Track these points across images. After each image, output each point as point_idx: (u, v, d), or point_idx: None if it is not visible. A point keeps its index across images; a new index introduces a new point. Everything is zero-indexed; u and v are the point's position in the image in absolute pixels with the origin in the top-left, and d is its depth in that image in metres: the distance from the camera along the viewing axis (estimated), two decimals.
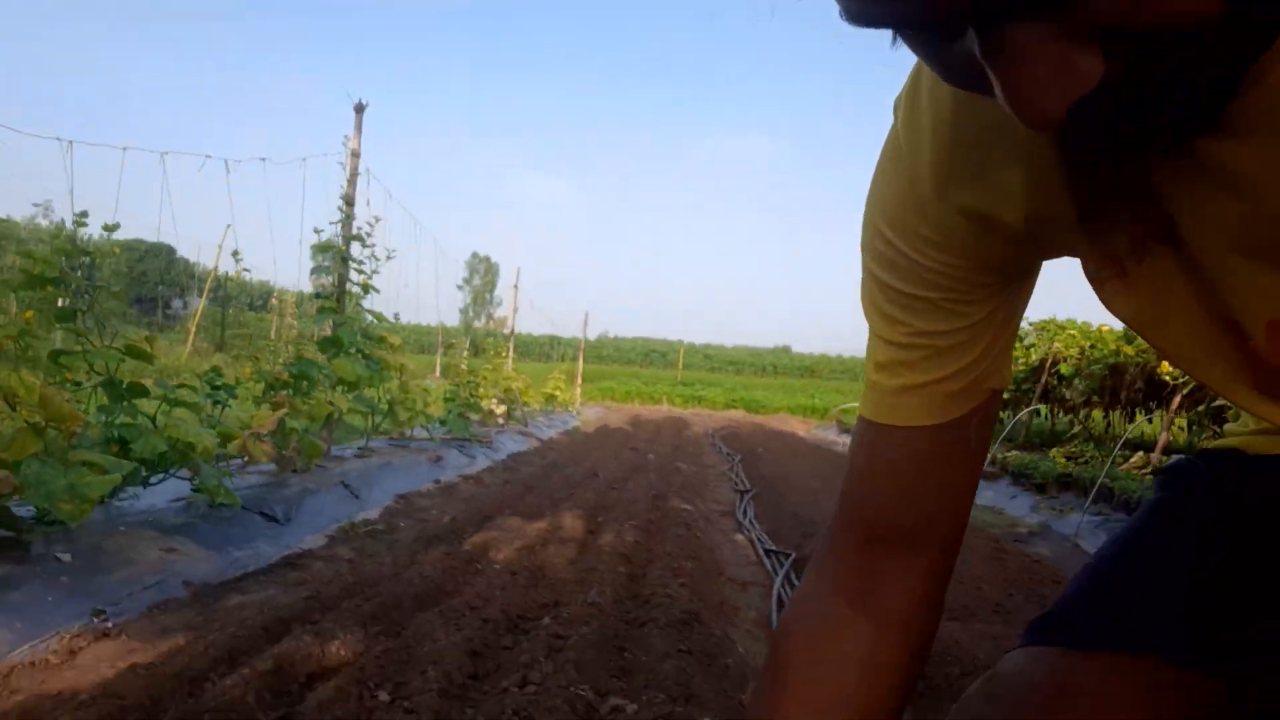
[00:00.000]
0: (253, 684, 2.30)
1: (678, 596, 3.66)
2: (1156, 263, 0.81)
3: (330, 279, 6.88)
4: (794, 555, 5.37)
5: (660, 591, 3.73)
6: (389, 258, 7.03)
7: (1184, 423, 11.34)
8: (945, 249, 0.90)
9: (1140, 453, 10.50)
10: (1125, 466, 9.45)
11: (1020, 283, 0.98)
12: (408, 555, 4.25)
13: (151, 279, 41.80)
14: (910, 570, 1.04)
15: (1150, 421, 11.68)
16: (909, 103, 0.89)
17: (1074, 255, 0.90)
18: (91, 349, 3.96)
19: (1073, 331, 15.50)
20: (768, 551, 5.60)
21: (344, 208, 6.88)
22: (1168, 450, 10.75)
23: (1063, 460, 10.33)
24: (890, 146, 0.94)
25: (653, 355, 59.26)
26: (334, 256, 6.88)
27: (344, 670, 2.53)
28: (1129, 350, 12.13)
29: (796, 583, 4.77)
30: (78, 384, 4.11)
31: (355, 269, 6.89)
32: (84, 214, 4.48)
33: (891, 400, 0.99)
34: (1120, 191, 0.78)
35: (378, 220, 6.96)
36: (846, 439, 17.19)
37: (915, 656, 1.06)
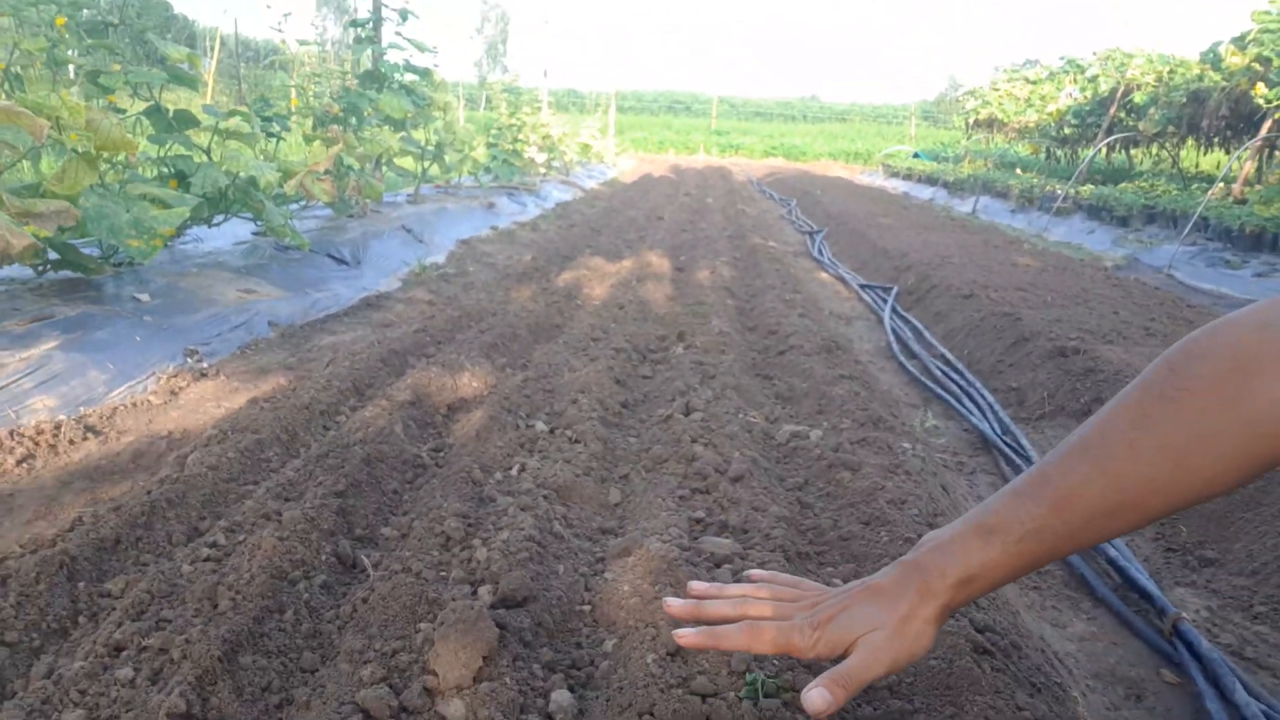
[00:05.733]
0: (396, 415, 2.05)
1: (804, 328, 3.36)
2: None
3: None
4: (895, 289, 5.04)
5: (784, 323, 3.44)
6: None
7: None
8: None
9: (1221, 184, 9.88)
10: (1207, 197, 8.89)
11: None
12: (502, 292, 3.95)
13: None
14: None
15: (1229, 154, 10.90)
16: None
17: None
18: (131, 69, 3.46)
19: (1149, 57, 14.30)
20: (864, 286, 5.28)
21: None
22: (1246, 182, 10.11)
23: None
24: None
25: (676, 108, 56.55)
26: None
27: (486, 400, 2.27)
28: (1215, 76, 11.18)
29: (906, 315, 4.47)
30: (120, 111, 3.65)
31: None
32: None
33: None
34: None
35: None
36: (895, 183, 16.48)
37: None
